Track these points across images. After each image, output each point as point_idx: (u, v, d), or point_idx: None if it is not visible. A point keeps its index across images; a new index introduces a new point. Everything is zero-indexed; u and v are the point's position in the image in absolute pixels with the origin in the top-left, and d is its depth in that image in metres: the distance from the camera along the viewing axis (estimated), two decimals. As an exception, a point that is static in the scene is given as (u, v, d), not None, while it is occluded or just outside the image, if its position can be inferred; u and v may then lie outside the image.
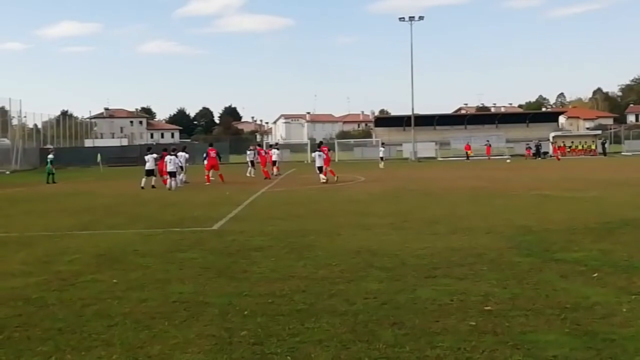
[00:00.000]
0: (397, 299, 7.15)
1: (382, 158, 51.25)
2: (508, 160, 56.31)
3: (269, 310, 6.78)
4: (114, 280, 8.55)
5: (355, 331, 5.97)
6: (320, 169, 29.79)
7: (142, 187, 27.43)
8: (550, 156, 62.83)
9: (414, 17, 66.89)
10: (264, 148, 40.94)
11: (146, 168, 28.61)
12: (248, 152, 39.57)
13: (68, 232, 13.87)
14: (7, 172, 52.92)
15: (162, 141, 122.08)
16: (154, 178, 28.27)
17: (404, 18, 67.34)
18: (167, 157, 27.70)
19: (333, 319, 6.39)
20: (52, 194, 26.90)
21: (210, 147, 32.88)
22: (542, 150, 63.31)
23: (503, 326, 6.02)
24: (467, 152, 62.61)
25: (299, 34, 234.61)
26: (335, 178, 30.44)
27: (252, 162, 38.10)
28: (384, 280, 8.14)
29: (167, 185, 27.07)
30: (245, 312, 6.72)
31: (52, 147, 41.09)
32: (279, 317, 6.52)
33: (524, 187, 23.60)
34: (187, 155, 32.34)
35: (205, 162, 31.85)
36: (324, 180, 29.14)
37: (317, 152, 30.74)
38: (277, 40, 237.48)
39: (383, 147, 54.46)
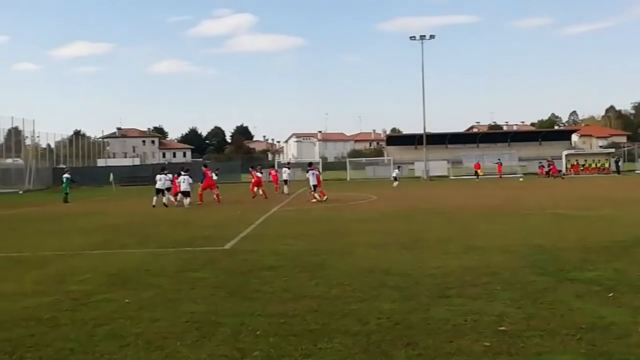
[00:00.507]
0: (410, 318, 7.09)
1: (395, 177, 51.19)
2: (521, 179, 56.06)
3: (282, 330, 6.74)
4: (126, 300, 8.54)
5: (368, 351, 5.92)
6: (314, 187, 30.39)
7: (154, 206, 27.85)
8: (564, 175, 62.57)
9: (424, 36, 67.11)
10: (276, 167, 40.98)
11: (156, 187, 29.04)
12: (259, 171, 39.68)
13: (80, 252, 13.89)
14: (20, 192, 53.29)
15: (174, 160, 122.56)
16: (164, 197, 28.67)
17: (415, 37, 67.55)
18: (181, 177, 28.21)
19: (346, 339, 6.34)
20: (64, 213, 27.02)
21: (205, 168, 33.18)
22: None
23: (518, 347, 5.95)
24: (476, 171, 62.35)
25: (310, 53, 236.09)
26: (324, 198, 30.48)
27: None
28: (397, 300, 8.08)
29: (177, 203, 27.56)
30: (258, 332, 6.69)
31: (67, 167, 41.33)
32: (292, 337, 6.48)
33: (537, 206, 23.48)
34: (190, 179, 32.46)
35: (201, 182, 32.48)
36: (316, 199, 29.70)
37: (310, 172, 31.17)
38: (289, 59, 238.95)
39: (398, 169, 54.51)
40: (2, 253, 14.01)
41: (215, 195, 31.70)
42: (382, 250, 12.71)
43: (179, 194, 29.42)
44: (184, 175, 28.40)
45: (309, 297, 8.42)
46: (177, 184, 29.72)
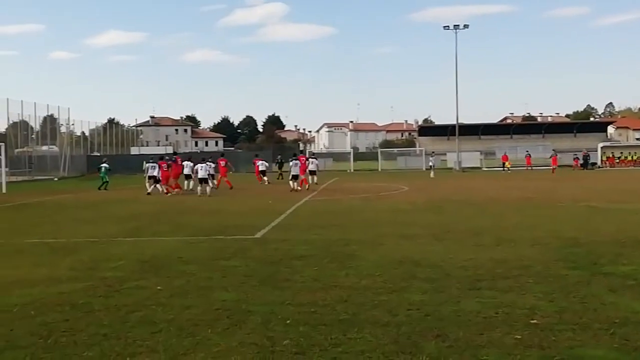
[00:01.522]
0: (440, 310, 7.07)
1: (432, 167, 50.82)
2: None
3: (312, 320, 6.77)
4: (158, 287, 8.64)
5: (398, 342, 5.92)
6: (295, 177, 31.02)
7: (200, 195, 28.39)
8: (599, 167, 61.66)
9: (458, 25, 66.36)
10: (307, 156, 41.01)
11: (199, 177, 29.22)
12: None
13: (113, 239, 14.08)
14: (55, 179, 54.02)
15: (206, 149, 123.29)
16: (207, 185, 29.10)
17: (448, 26, 66.87)
18: (199, 165, 28.73)
19: (376, 329, 6.34)
20: (98, 201, 27.37)
21: (220, 158, 35.51)
22: (590, 161, 62.13)
23: (549, 340, 5.90)
24: (504, 163, 61.62)
25: (342, 42, 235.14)
26: (307, 187, 31.93)
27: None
28: (428, 292, 8.06)
29: (185, 187, 29.70)
30: (288, 321, 6.72)
31: (105, 158, 42.05)
32: (321, 326, 6.50)
33: (571, 198, 23.21)
34: (213, 165, 33.16)
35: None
36: (296, 189, 30.42)
37: (293, 161, 31.94)
38: (321, 49, 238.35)
39: (432, 157, 53.90)
40: (37, 239, 14.26)
41: (225, 182, 33.49)
42: (413, 241, 12.67)
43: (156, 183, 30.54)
44: (203, 163, 28.82)
45: (339, 287, 8.44)
46: (164, 170, 30.51)
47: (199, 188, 28.68)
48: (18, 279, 9.45)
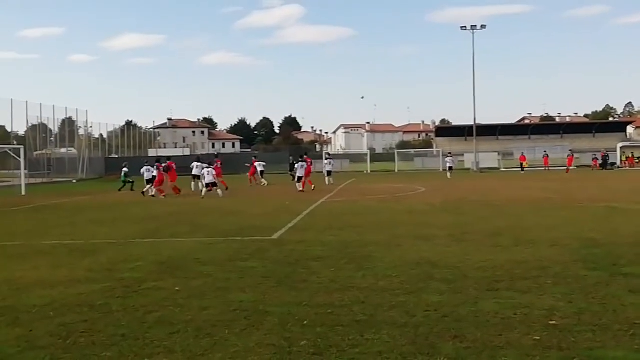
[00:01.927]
0: (458, 311, 7.04)
1: (450, 168, 50.34)
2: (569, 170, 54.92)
3: (329, 321, 6.76)
4: (176, 288, 8.68)
5: (415, 343, 5.89)
6: (299, 178, 31.45)
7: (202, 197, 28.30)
8: (618, 167, 61.13)
9: (475, 26, 66.12)
10: (323, 158, 41.39)
11: (193, 174, 30.33)
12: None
13: (131, 240, 14.16)
14: (74, 181, 54.47)
15: (223, 151, 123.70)
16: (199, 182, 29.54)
17: (465, 27, 66.66)
18: (205, 170, 29.21)
19: (393, 330, 6.32)
20: (116, 202, 27.55)
21: (216, 158, 36.52)
22: (609, 161, 61.63)
23: (568, 341, 5.85)
24: (521, 163, 61.23)
25: (359, 44, 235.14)
26: (312, 187, 31.98)
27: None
28: (445, 293, 8.02)
29: (193, 188, 30.01)
30: (305, 322, 6.72)
31: (125, 162, 42.71)
32: (339, 327, 6.49)
33: (590, 199, 23.03)
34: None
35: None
36: (301, 190, 30.86)
37: (300, 163, 32.27)
38: (337, 50, 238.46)
39: (450, 157, 53.49)
40: (56, 241, 14.37)
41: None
42: (430, 242, 12.63)
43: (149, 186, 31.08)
44: (208, 168, 29.05)
45: (356, 288, 8.42)
46: (161, 173, 30.87)
47: (204, 190, 28.91)
48: (37, 280, 9.53)
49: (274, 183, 39.11)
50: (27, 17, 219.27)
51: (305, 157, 33.61)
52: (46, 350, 5.95)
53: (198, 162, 33.75)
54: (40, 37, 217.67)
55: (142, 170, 32.43)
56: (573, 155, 58.49)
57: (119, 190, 36.08)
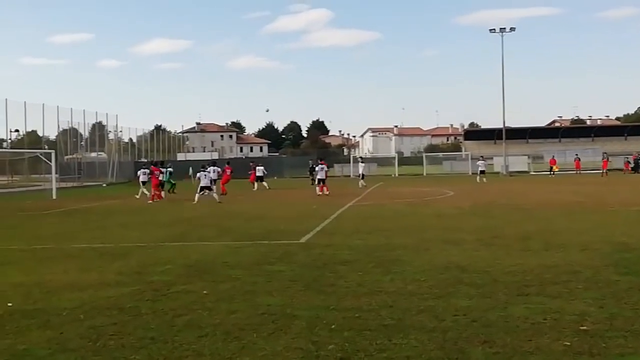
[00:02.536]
0: (487, 316, 6.97)
1: (483, 172, 49.27)
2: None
3: (356, 325, 6.73)
4: (204, 292, 8.71)
5: (444, 348, 5.85)
6: (319, 181, 31.54)
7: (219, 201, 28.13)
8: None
9: (504, 28, 65.54)
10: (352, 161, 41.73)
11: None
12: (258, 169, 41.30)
13: (160, 244, 14.26)
14: (104, 185, 55.09)
15: (251, 155, 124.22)
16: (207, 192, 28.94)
17: (494, 29, 66.16)
18: (199, 173, 28.58)
19: (421, 335, 6.28)
20: (145, 206, 27.75)
21: (227, 165, 37.38)
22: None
23: (600, 347, 5.76)
24: (551, 167, 60.52)
25: (386, 47, 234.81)
26: (327, 192, 31.50)
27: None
28: (474, 297, 7.95)
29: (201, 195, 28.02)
30: (333, 326, 6.70)
31: (169, 163, 43.51)
32: (366, 331, 6.47)
33: (622, 203, 22.70)
34: (219, 170, 35.44)
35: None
36: (320, 194, 30.78)
37: (320, 166, 32.44)
38: (365, 54, 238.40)
39: (482, 161, 52.76)
40: (86, 244, 14.52)
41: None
42: (459, 246, 12.54)
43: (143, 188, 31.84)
44: (204, 171, 28.65)
45: (383, 292, 8.39)
46: (155, 177, 31.63)
47: (197, 195, 27.84)
48: (67, 283, 9.64)
49: (298, 187, 39.09)
50: (57, 24, 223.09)
51: (321, 161, 33.68)
52: (76, 353, 6.01)
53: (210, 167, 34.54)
54: (69, 42, 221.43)
55: (198, 175, 32.38)
56: (608, 159, 57.65)
57: (172, 191, 36.70)
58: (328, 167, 34.67)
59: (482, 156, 55.79)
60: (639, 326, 6.42)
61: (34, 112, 51.03)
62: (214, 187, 29.04)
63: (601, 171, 54.07)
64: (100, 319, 7.34)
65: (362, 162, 43.95)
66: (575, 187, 35.58)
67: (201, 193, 27.96)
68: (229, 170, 36.33)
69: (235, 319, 7.16)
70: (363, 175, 40.48)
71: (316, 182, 31.88)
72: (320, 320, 6.95)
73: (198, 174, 28.90)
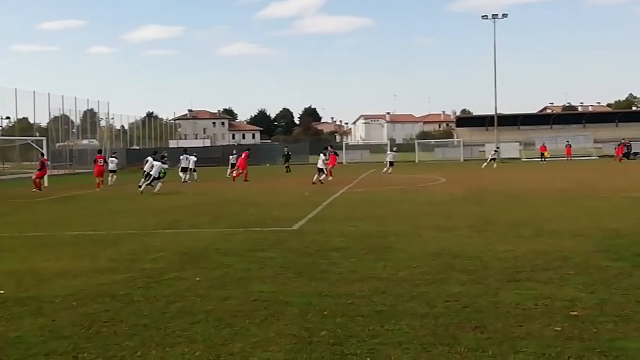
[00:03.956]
0: (479, 302, 7.01)
1: (495, 159, 49.18)
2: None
3: (349, 311, 6.76)
4: (197, 278, 8.73)
5: (436, 334, 5.88)
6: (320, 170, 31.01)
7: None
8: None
9: (497, 15, 65.64)
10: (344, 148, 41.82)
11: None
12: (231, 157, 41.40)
13: (153, 231, 14.26)
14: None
15: (243, 142, 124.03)
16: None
17: (486, 16, 66.18)
18: (151, 162, 27.71)
19: (413, 321, 6.32)
20: (137, 194, 27.66)
21: (245, 151, 38.15)
22: (632, 151, 60.92)
23: (590, 332, 5.81)
24: (542, 153, 60.71)
25: (378, 34, 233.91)
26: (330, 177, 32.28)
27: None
28: (466, 283, 8.00)
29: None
30: (325, 312, 6.73)
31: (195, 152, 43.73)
32: (359, 318, 6.50)
33: (613, 189, 22.79)
34: (194, 158, 37.15)
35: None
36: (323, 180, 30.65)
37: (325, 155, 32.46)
38: (357, 40, 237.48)
39: (497, 149, 52.29)
40: (78, 231, 14.50)
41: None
42: (451, 233, 12.58)
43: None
44: (155, 160, 28.14)
45: (376, 278, 8.42)
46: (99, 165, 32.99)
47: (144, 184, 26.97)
48: (60, 270, 9.63)
49: (291, 175, 39.07)
50: (47, 10, 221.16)
51: (330, 148, 33.97)
52: (69, 340, 6.01)
53: (185, 154, 36.90)
54: (61, 29, 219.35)
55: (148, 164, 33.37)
56: (625, 144, 58.16)
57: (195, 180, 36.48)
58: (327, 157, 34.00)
59: (498, 147, 55.98)
60: (629, 311, 6.47)
61: (25, 99, 50.85)
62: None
63: (616, 156, 54.44)
64: (93, 306, 7.34)
65: (392, 152, 43.89)
66: (566, 173, 35.73)
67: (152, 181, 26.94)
68: (245, 155, 36.64)
69: (228, 305, 7.18)
70: (391, 163, 40.63)
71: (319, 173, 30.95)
72: (313, 307, 6.98)
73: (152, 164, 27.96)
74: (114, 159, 36.20)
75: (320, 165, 31.09)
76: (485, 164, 47.95)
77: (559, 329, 5.94)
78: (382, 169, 40.60)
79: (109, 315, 6.89)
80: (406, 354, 5.37)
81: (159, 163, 27.91)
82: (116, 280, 8.80)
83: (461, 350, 5.41)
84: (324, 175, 29.99)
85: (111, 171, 35.06)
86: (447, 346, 5.53)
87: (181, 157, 36.58)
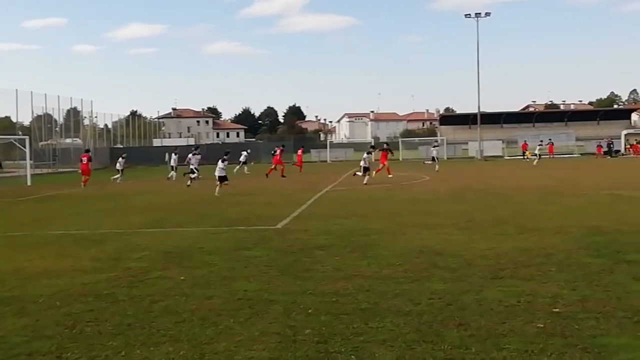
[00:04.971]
0: (462, 299, 7.06)
1: (538, 155, 49.33)
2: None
3: (333, 309, 6.79)
4: (181, 277, 8.72)
5: (419, 331, 5.92)
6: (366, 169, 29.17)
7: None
8: (622, 154, 60.93)
9: (480, 13, 65.95)
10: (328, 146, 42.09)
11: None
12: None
13: (137, 230, 14.20)
14: (79, 171, 54.46)
15: (227, 140, 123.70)
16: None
17: (470, 15, 66.43)
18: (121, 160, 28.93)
19: (397, 318, 6.35)
20: (121, 192, 27.59)
21: (280, 147, 39.29)
22: (614, 149, 61.43)
23: (572, 329, 5.87)
24: (524, 152, 61.09)
25: (362, 32, 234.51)
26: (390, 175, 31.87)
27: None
28: (449, 281, 8.04)
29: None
30: (309, 311, 6.75)
31: (197, 146, 43.61)
32: (343, 315, 6.52)
33: (594, 187, 22.97)
34: (175, 156, 37.65)
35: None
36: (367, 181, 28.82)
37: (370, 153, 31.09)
38: (341, 39, 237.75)
39: (542, 144, 52.48)
40: (62, 231, 14.43)
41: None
42: (435, 230, 12.64)
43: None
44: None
45: (360, 276, 8.45)
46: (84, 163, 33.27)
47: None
48: (43, 270, 9.58)
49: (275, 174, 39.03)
50: (31, 8, 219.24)
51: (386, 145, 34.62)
52: (52, 340, 5.99)
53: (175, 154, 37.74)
54: (43, 27, 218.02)
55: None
56: (553, 144, 58.88)
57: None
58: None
59: (542, 141, 56.26)
60: (610, 308, 6.54)
61: (7, 98, 50.39)
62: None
63: (597, 154, 55.14)
64: (76, 305, 7.32)
65: (435, 147, 43.89)
66: (548, 171, 35.94)
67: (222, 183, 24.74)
68: (280, 151, 38.49)
69: (212, 304, 7.18)
70: (435, 158, 40.46)
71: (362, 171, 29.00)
72: (297, 305, 6.99)
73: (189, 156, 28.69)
74: (121, 159, 37.50)
75: (364, 164, 29.08)
76: (536, 160, 47.58)
77: (542, 325, 6.00)
78: (435, 168, 38.78)
79: (93, 314, 6.87)
80: (390, 352, 5.40)
81: (223, 163, 25.34)
82: (100, 279, 8.77)
83: (445, 348, 5.45)
84: (368, 177, 28.46)
85: (118, 170, 36.45)
86: (431, 343, 5.57)
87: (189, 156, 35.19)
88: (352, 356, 5.33)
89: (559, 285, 7.59)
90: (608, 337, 5.64)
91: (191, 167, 31.52)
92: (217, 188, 23.66)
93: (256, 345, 5.68)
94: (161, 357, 5.47)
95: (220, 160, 24.72)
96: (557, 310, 6.52)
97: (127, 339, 5.98)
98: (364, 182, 27.98)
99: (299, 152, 45.91)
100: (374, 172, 31.08)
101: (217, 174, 24.29)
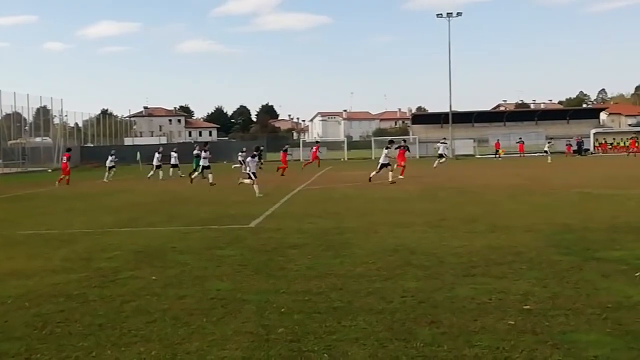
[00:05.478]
0: (434, 297, 7.10)
1: (547, 152, 49.37)
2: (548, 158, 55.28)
3: (306, 308, 6.79)
4: (153, 277, 8.65)
5: (392, 329, 5.94)
6: (386, 165, 27.84)
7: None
8: (591, 153, 61.72)
9: (451, 13, 66.33)
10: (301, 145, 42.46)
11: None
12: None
13: (108, 230, 14.07)
14: (49, 170, 53.82)
15: (200, 139, 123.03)
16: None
17: (441, 14, 66.81)
18: (248, 159, 25.83)
19: (370, 317, 6.37)
20: (92, 192, 27.30)
21: (316, 144, 43.92)
22: (583, 147, 62.21)
23: (542, 325, 5.94)
24: (497, 150, 61.68)
25: (335, 31, 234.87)
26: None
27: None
28: (422, 279, 8.09)
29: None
30: (283, 310, 6.74)
31: (196, 144, 42.92)
32: (316, 314, 6.53)
33: (564, 185, 23.25)
34: (159, 155, 36.97)
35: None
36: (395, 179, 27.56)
37: (386, 151, 28.66)
38: (314, 38, 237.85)
39: (550, 142, 52.89)
40: (31, 231, 14.24)
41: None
42: (407, 229, 12.70)
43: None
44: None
45: (333, 275, 8.46)
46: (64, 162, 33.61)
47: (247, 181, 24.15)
48: (12, 270, 9.45)
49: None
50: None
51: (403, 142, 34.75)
52: (22, 341, 5.91)
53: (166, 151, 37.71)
54: (12, 25, 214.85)
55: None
56: (523, 143, 59.99)
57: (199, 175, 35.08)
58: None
59: (551, 138, 56.75)
60: (580, 305, 6.63)
61: (-25, 96, 49.59)
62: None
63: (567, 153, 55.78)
64: (46, 306, 7.23)
65: (443, 143, 43.98)
66: (519, 170, 36.31)
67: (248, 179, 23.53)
68: (316, 149, 44.21)
69: (185, 304, 7.14)
70: (444, 155, 40.78)
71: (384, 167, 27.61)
72: (270, 304, 6.98)
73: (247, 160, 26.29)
74: (158, 154, 36.62)
75: (383, 160, 27.73)
76: (549, 158, 47.77)
77: (513, 322, 6.06)
78: (442, 163, 40.68)
79: (63, 315, 6.80)
80: (363, 350, 5.41)
81: (254, 159, 24.07)
82: (71, 279, 8.67)
83: (417, 345, 5.47)
84: (391, 173, 27.25)
85: (109, 167, 35.88)
86: (404, 341, 5.59)
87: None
88: (325, 355, 5.33)
89: (530, 283, 7.67)
90: (578, 333, 5.72)
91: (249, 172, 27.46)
92: (256, 187, 22.24)
93: (229, 344, 5.66)
94: (133, 357, 5.43)
95: (250, 157, 23.66)
96: (528, 307, 6.58)
97: (98, 339, 5.92)
98: (390, 179, 26.71)
99: (314, 148, 48.57)
100: (399, 173, 29.43)
101: (252, 171, 22.95)
